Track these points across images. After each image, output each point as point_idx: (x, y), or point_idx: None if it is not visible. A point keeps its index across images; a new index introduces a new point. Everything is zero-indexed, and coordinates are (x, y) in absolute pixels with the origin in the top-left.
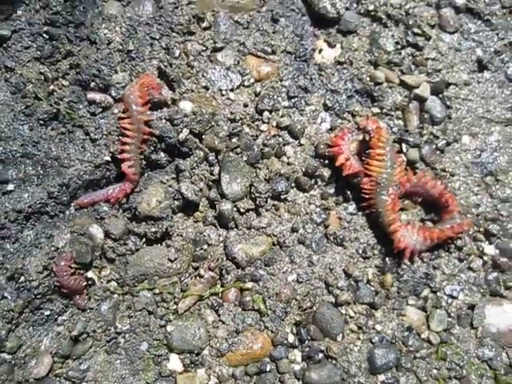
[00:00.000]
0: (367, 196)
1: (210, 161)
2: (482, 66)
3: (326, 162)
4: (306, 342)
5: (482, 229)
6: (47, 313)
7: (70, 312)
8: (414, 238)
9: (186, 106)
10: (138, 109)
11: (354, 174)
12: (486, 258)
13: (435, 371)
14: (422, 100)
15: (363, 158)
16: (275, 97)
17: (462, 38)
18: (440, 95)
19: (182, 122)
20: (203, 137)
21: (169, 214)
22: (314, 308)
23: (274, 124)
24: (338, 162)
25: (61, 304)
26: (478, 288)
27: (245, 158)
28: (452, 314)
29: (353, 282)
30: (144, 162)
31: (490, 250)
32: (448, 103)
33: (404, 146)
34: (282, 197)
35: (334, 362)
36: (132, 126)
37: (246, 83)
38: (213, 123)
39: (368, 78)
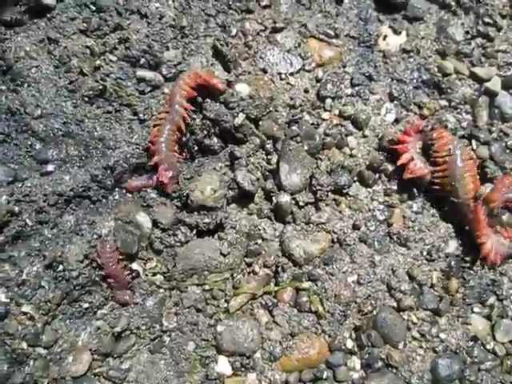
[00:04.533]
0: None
1: (267, 149)
2: None
3: (391, 156)
4: (366, 348)
5: None
6: (86, 305)
7: (110, 306)
8: (507, 244)
9: (243, 88)
10: (181, 101)
11: (416, 178)
12: None
13: None
14: (492, 94)
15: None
16: (338, 83)
17: None
18: (511, 90)
19: (237, 105)
20: (260, 123)
21: (224, 204)
22: (375, 312)
23: (337, 112)
24: (400, 162)
25: (101, 297)
26: None
27: (306, 148)
28: None
29: (416, 286)
30: (185, 153)
31: None
32: None
33: (474, 142)
34: (344, 191)
35: (394, 371)
36: (168, 116)
37: (306, 67)
38: (271, 108)
39: (436, 69)
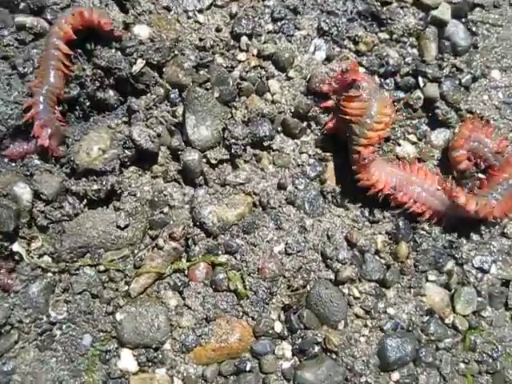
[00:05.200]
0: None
1: (171, 99)
2: None
3: (323, 100)
4: (298, 331)
5: None
6: None
7: None
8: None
9: (142, 30)
10: (58, 44)
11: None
12: None
13: (462, 365)
14: (441, 24)
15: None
16: (256, 19)
17: None
18: (463, 19)
19: (136, 50)
20: (164, 69)
21: (116, 166)
22: (308, 287)
23: (255, 52)
24: (323, 104)
25: None
26: None
27: (216, 95)
28: (483, 293)
29: (357, 253)
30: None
31: None
32: (474, 29)
33: (421, 79)
34: (266, 144)
35: (334, 356)
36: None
37: (219, 2)
38: (176, 52)
39: None
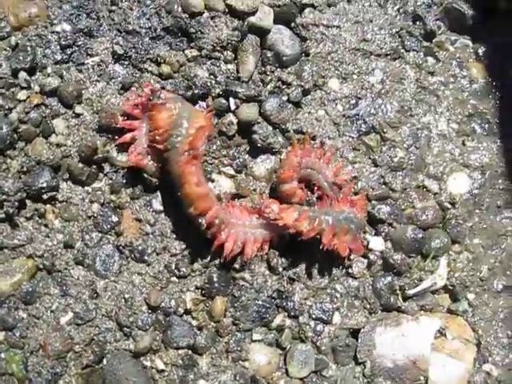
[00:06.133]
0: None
1: None
2: None
3: (117, 136)
4: None
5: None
6: None
7: None
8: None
9: None
10: None
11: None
12: (372, 256)
13: None
14: (262, 32)
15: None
16: (41, 49)
17: None
18: (291, 24)
19: None
20: None
21: None
22: (104, 362)
23: (37, 89)
24: (119, 141)
25: None
26: (361, 303)
27: None
28: (323, 348)
29: (161, 317)
30: None
31: (376, 243)
32: (304, 33)
33: (232, 100)
34: (46, 196)
35: None
36: None
37: None
38: None
39: (180, 9)
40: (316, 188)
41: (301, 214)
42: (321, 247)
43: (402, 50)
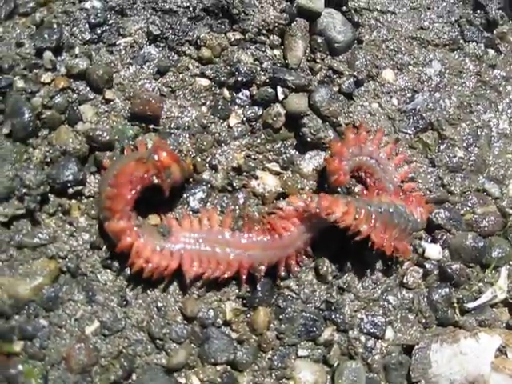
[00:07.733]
0: None
1: None
2: None
3: (152, 125)
4: None
5: None
6: None
7: None
8: None
9: None
10: None
11: None
12: (428, 265)
13: None
14: (311, 16)
15: None
16: (68, 27)
17: None
18: (343, 8)
19: None
20: None
21: None
22: (134, 377)
23: (63, 71)
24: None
25: None
26: (416, 316)
27: (5, 131)
28: (374, 366)
29: (198, 328)
30: None
31: (433, 251)
32: (356, 19)
33: (280, 89)
34: (71, 190)
35: None
36: None
37: (21, 9)
38: None
39: None
40: (368, 177)
41: (348, 205)
42: (369, 244)
43: (461, 41)
